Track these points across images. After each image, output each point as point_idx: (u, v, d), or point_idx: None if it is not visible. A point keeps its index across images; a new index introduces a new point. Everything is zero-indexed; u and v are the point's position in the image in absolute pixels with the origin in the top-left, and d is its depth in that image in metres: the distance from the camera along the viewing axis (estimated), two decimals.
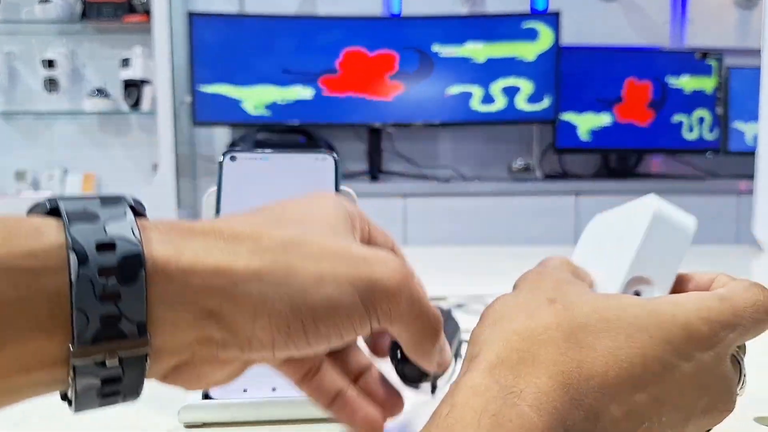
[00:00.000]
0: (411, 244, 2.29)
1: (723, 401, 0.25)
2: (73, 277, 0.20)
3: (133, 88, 2.37)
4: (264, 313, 0.22)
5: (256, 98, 2.40)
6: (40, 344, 0.20)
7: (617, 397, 0.23)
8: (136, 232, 0.21)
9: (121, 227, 0.21)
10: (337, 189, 0.39)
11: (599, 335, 0.24)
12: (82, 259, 0.20)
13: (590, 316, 0.24)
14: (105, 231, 0.21)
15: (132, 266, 0.20)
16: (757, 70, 1.17)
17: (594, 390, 0.22)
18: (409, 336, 0.25)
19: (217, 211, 0.38)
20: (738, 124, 2.66)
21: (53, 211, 0.21)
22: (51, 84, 2.38)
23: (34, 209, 0.22)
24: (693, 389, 0.24)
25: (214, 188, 0.39)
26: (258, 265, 0.23)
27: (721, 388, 0.25)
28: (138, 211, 0.23)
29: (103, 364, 0.21)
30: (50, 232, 0.20)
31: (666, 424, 0.24)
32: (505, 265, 1.03)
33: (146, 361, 0.21)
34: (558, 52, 2.43)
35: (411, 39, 2.44)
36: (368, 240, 0.29)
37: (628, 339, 0.24)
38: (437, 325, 0.26)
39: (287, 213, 0.26)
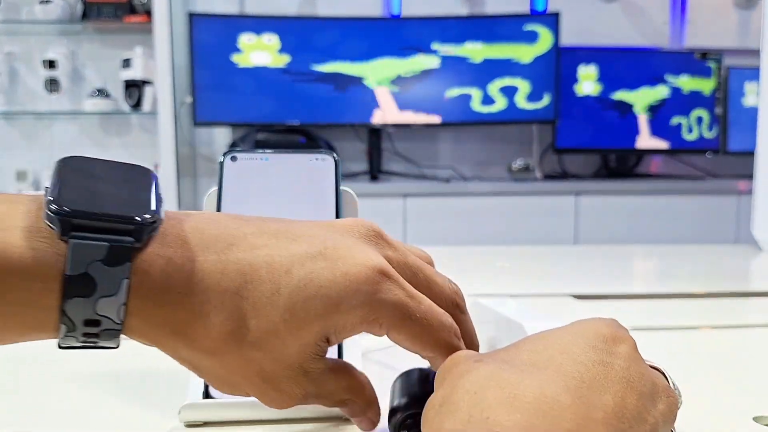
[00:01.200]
0: (411, 243, 2.30)
1: (662, 386, 0.26)
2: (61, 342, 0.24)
3: (134, 88, 2.37)
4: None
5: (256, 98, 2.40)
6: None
7: (591, 403, 0.22)
8: (122, 313, 0.24)
9: (110, 306, 0.24)
10: (337, 189, 0.39)
11: (539, 365, 0.24)
12: (70, 329, 0.24)
13: (519, 354, 0.25)
14: (95, 310, 0.23)
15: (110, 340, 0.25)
16: (756, 70, 1.18)
17: (568, 406, 0.22)
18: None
19: (218, 211, 0.38)
20: (737, 124, 2.66)
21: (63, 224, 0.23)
22: (52, 84, 2.38)
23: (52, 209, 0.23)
24: (637, 384, 0.25)
25: (215, 188, 0.39)
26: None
27: (653, 376, 0.26)
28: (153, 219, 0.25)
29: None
30: (50, 299, 0.23)
31: None
32: (504, 265, 1.03)
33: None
34: (557, 52, 2.43)
35: (411, 39, 2.44)
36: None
37: (567, 354, 0.25)
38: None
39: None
